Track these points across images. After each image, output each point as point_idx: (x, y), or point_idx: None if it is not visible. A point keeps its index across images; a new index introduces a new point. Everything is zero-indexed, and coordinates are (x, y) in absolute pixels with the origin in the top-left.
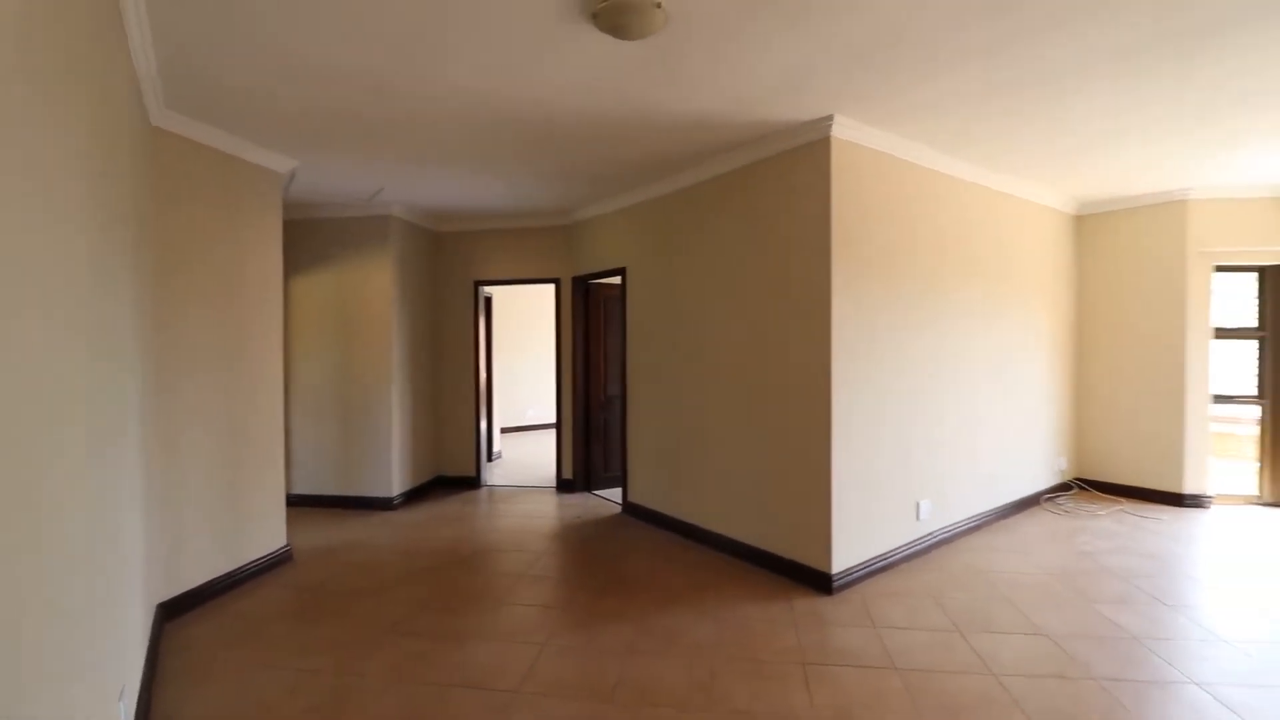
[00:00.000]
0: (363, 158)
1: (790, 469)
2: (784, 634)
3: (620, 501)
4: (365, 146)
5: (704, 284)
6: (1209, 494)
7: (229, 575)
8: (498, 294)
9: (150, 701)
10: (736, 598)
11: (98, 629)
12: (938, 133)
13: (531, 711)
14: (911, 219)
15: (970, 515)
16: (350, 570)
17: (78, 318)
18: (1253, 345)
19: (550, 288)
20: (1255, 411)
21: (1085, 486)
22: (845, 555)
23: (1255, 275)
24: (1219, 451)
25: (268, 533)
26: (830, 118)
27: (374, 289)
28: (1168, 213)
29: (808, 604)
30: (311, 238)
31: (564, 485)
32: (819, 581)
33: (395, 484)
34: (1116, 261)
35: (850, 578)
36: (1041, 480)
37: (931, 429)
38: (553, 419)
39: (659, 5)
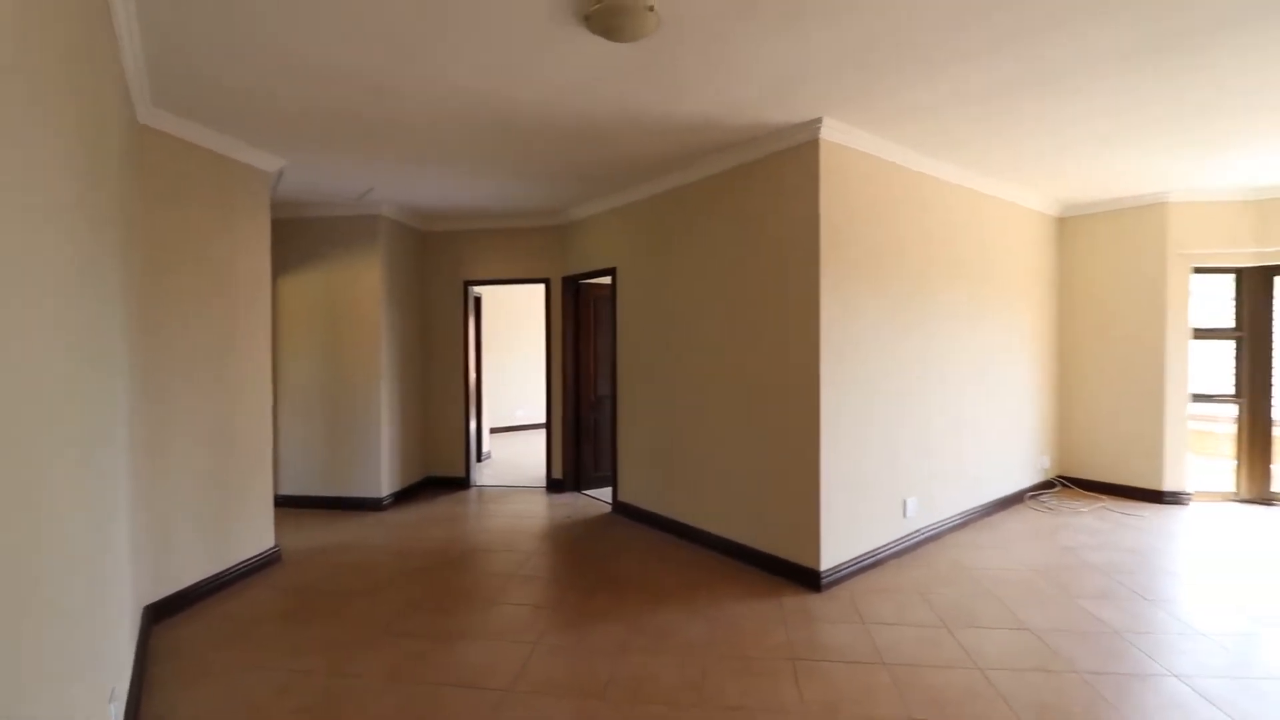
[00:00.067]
0: (353, 157)
1: (779, 468)
2: (774, 631)
3: (610, 501)
4: (356, 146)
5: (694, 284)
6: (1188, 491)
7: (217, 577)
8: (487, 294)
9: (139, 703)
10: (727, 596)
11: (96, 629)
12: (925, 136)
13: (525, 710)
14: (899, 221)
15: (956, 513)
16: (340, 571)
17: (67, 318)
18: (1230, 345)
19: (540, 288)
20: (1232, 410)
21: (1068, 484)
22: (834, 553)
23: (1232, 277)
24: (1198, 449)
25: (256, 534)
26: (819, 120)
27: (363, 289)
28: (1148, 215)
29: (797, 601)
30: (300, 237)
31: (554, 485)
32: (808, 579)
33: (384, 484)
34: (1098, 263)
35: (839, 575)
36: (1025, 478)
37: (918, 428)
38: (541, 419)
39: (651, 8)
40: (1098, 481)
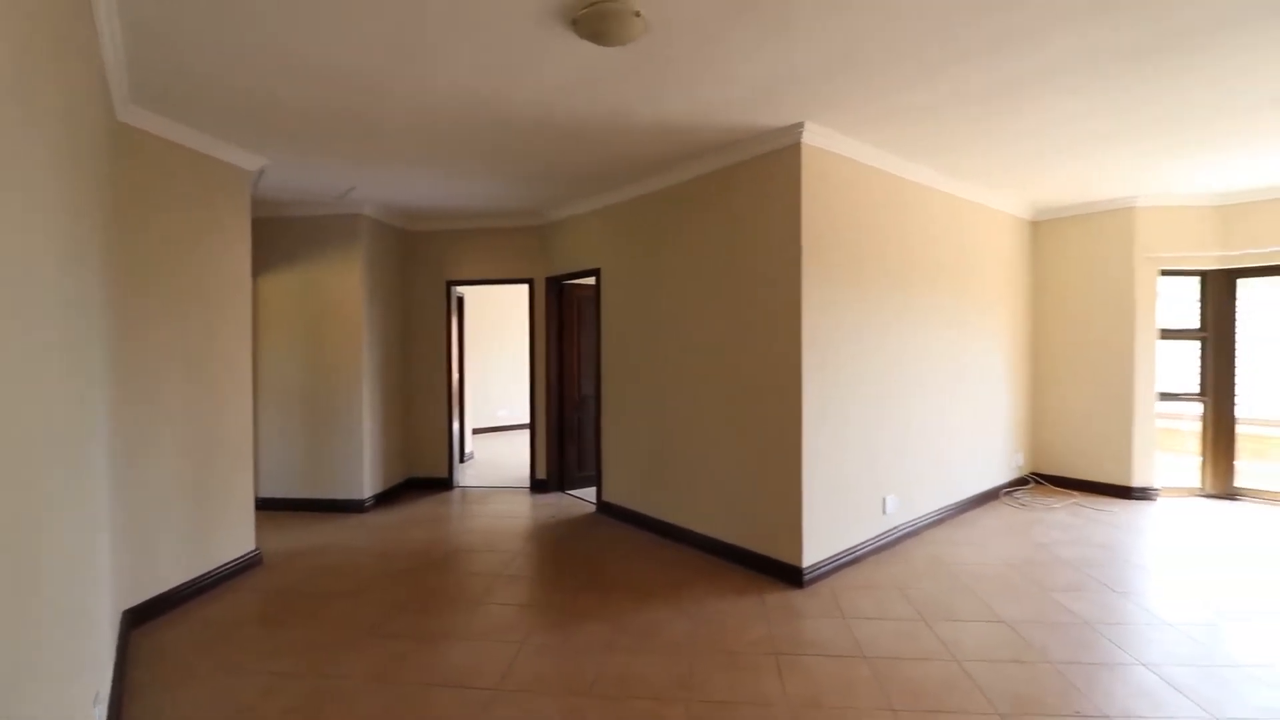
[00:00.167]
0: (335, 157)
1: (762, 466)
2: (758, 627)
3: (594, 501)
4: (339, 145)
5: (678, 286)
6: (1156, 487)
7: (197, 580)
8: (469, 294)
9: (121, 707)
10: (711, 593)
11: (83, 630)
12: (905, 140)
13: (513, 708)
14: (879, 225)
15: (934, 509)
16: (323, 573)
17: (54, 316)
18: (1195, 346)
19: (522, 288)
20: (1197, 408)
21: (1041, 481)
22: (815, 550)
23: (1197, 279)
24: (1164, 446)
25: (236, 537)
26: (801, 125)
27: (344, 289)
28: (1117, 219)
29: (780, 597)
30: (280, 236)
31: (538, 485)
32: (790, 575)
33: (366, 486)
34: (1069, 265)
35: (820, 571)
36: (1000, 475)
37: (897, 427)
38: (524, 419)
39: (638, 14)
40: (1069, 478)
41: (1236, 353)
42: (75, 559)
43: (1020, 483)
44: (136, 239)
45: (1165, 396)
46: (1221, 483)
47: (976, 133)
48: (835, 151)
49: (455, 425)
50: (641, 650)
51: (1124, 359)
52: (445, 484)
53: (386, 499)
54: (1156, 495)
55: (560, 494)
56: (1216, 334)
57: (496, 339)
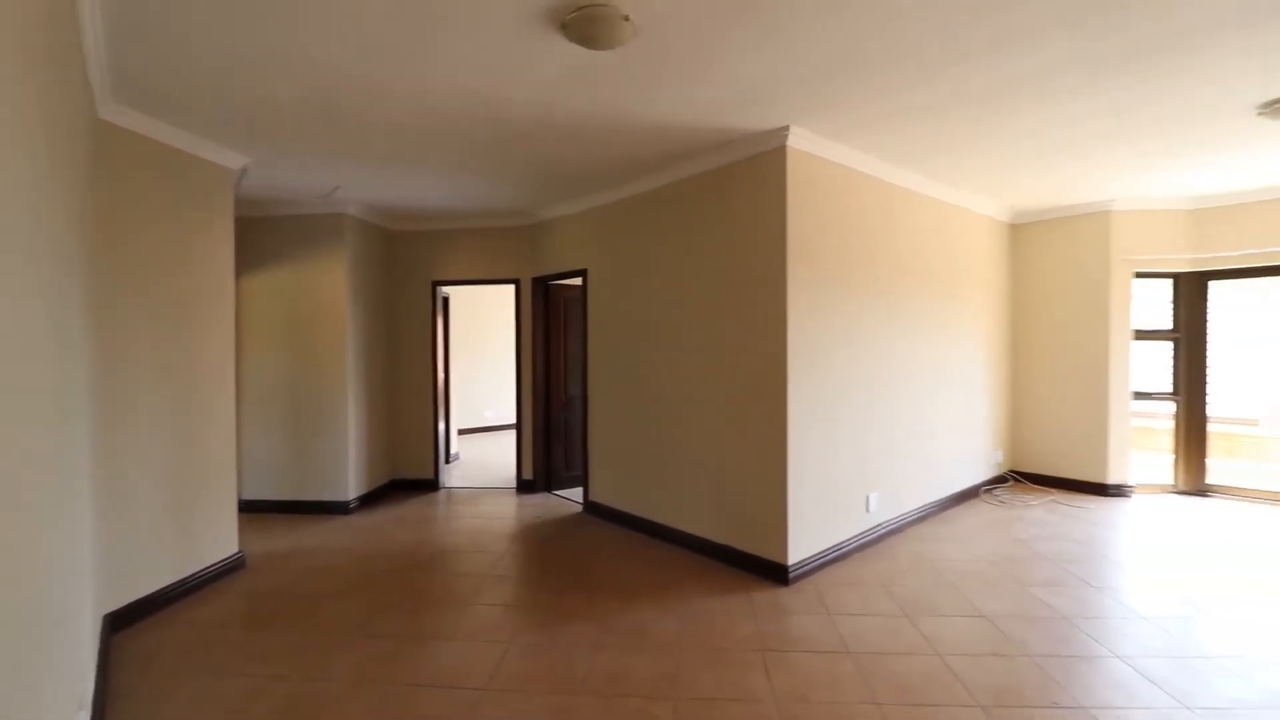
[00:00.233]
0: (320, 156)
1: (748, 465)
2: (744, 624)
3: (581, 501)
4: (324, 144)
5: (665, 287)
6: (1130, 484)
7: (179, 584)
8: (455, 294)
9: (104, 711)
10: (697, 592)
11: (69, 632)
12: (894, 144)
13: (502, 707)
14: (863, 226)
15: (916, 507)
16: (308, 575)
17: (38, 315)
18: (1168, 346)
19: (508, 288)
20: (1170, 407)
21: (1020, 478)
22: (801, 547)
23: (1170, 281)
24: (1139, 444)
25: (219, 539)
26: (786, 129)
27: (328, 288)
28: (1093, 222)
29: (766, 595)
30: (263, 236)
31: (524, 486)
32: (776, 573)
33: (351, 487)
34: (1047, 268)
35: (806, 568)
36: (980, 473)
37: (881, 426)
38: (509, 420)
39: (627, 18)
40: (1047, 476)
41: (1208, 353)
42: (59, 561)
43: (999, 480)
44: (117, 238)
45: (1139, 396)
46: (1193, 480)
47: (976, 132)
48: (823, 156)
49: (441, 426)
50: (629, 649)
51: (1100, 359)
52: (431, 485)
53: (371, 500)
54: (1131, 492)
55: (547, 494)
56: (1189, 335)
57: (482, 339)
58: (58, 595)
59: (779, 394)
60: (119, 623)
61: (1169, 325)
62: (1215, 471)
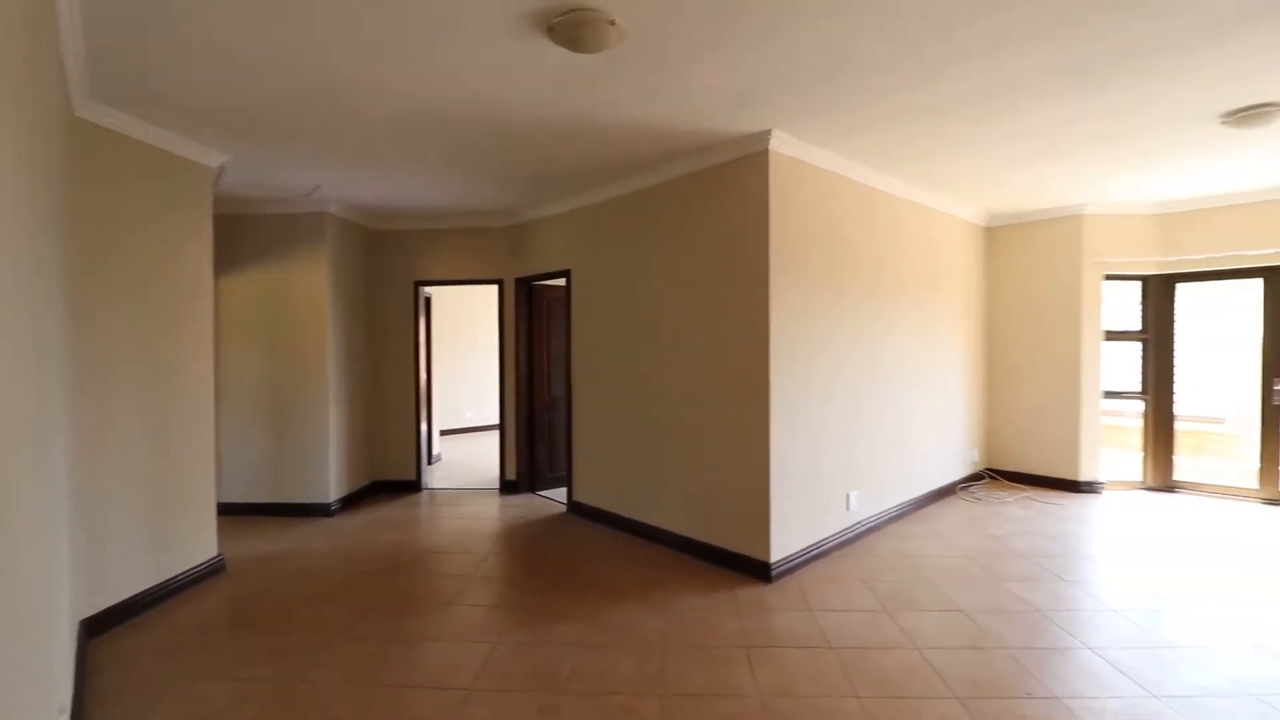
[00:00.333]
0: (300, 155)
1: (731, 465)
2: (729, 621)
3: (565, 501)
4: (304, 144)
5: (649, 288)
6: (1101, 481)
7: (158, 588)
8: (437, 294)
9: (83, 716)
10: (682, 590)
11: (49, 636)
12: (879, 149)
13: (489, 705)
14: (845, 230)
15: (895, 504)
16: (289, 578)
17: (20, 314)
18: (1137, 347)
19: (491, 289)
20: (1139, 406)
21: (995, 476)
22: (783, 545)
23: (1139, 284)
24: (1109, 442)
25: (198, 543)
26: (768, 132)
27: (309, 288)
28: (1065, 226)
29: (750, 593)
30: (243, 235)
31: (508, 486)
32: (760, 571)
33: (332, 489)
34: (1021, 271)
35: (788, 566)
36: (957, 471)
37: (861, 426)
38: (491, 421)
39: (613, 23)
40: (1021, 473)
41: (1175, 353)
42: (42, 561)
43: (975, 478)
44: (94, 237)
45: (1110, 395)
46: (1161, 476)
47: (967, 135)
48: (806, 160)
49: (423, 427)
50: (615, 647)
51: (1071, 359)
52: (413, 486)
53: (352, 502)
54: (1102, 489)
55: (530, 495)
56: (1157, 335)
57: (465, 340)
58: (34, 600)
59: (761, 393)
60: (96, 628)
61: (1138, 326)
62: (1182, 468)
